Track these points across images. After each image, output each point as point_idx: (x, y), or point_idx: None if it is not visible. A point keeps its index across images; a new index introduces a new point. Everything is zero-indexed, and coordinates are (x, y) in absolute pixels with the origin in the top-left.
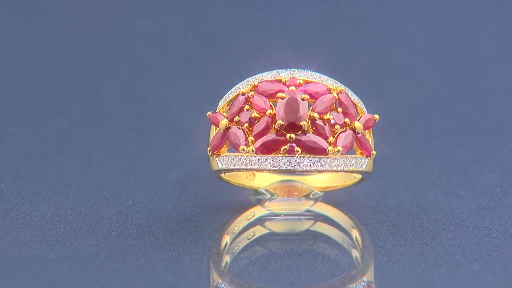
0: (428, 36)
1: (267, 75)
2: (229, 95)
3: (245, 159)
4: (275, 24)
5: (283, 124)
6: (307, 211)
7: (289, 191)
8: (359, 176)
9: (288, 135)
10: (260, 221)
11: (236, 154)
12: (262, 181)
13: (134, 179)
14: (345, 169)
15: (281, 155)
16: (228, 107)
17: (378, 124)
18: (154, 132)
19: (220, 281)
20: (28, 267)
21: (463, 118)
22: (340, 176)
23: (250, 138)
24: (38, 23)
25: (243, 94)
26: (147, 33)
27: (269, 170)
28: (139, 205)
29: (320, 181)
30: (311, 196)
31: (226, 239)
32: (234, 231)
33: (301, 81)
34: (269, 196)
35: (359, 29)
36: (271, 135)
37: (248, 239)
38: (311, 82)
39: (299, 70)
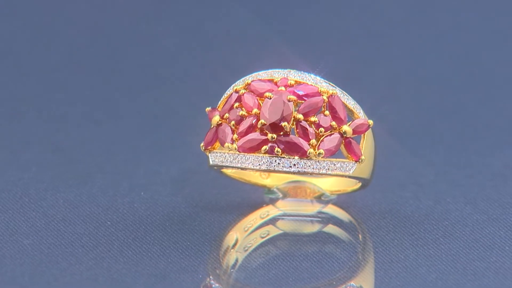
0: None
1: (263, 74)
2: (228, 92)
3: (229, 156)
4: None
5: (265, 124)
6: (320, 212)
7: (296, 192)
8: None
9: (270, 135)
10: (272, 220)
11: (224, 151)
12: (275, 180)
13: (166, 172)
14: (328, 172)
15: (262, 154)
16: None
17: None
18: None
19: (222, 277)
20: None
21: None
22: (341, 180)
23: (235, 136)
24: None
25: (236, 91)
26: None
27: (252, 169)
28: (150, 198)
29: (325, 185)
30: (322, 198)
31: (237, 235)
32: (246, 229)
33: (293, 82)
34: (281, 195)
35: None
36: (253, 134)
37: (262, 237)
38: (303, 83)
39: (295, 70)
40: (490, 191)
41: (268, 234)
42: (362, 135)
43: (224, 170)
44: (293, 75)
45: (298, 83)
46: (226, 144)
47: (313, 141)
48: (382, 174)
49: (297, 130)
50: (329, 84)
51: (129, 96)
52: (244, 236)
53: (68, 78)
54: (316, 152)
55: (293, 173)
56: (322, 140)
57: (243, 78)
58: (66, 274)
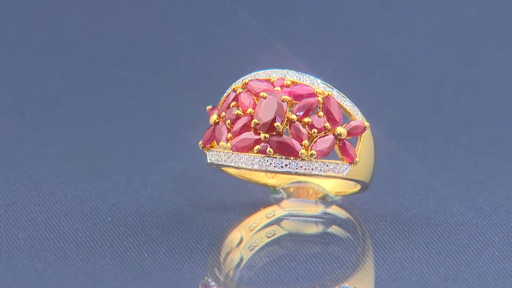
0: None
1: (261, 74)
2: (228, 91)
3: (224, 155)
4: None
5: (258, 123)
6: (324, 213)
7: (298, 192)
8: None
9: (262, 134)
10: (277, 220)
11: (220, 149)
12: (280, 180)
13: (180, 169)
14: (320, 173)
15: (255, 154)
16: None
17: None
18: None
19: (227, 275)
20: None
21: None
22: (342, 182)
23: (229, 135)
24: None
25: (234, 90)
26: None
27: (245, 169)
28: (158, 195)
29: (328, 186)
30: (326, 199)
31: (241, 234)
32: (251, 228)
33: (289, 82)
34: (286, 195)
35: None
36: (247, 134)
37: (268, 237)
38: (299, 84)
39: (293, 71)
40: (499, 196)
41: (274, 234)
42: (358, 137)
43: (225, 169)
44: (291, 76)
45: (294, 83)
46: (221, 143)
47: (306, 142)
48: (395, 176)
49: (290, 131)
50: (326, 85)
51: (162, 94)
52: (249, 235)
53: (100, 75)
54: (308, 153)
55: (286, 173)
56: (315, 141)
57: (242, 78)
58: (49, 268)
